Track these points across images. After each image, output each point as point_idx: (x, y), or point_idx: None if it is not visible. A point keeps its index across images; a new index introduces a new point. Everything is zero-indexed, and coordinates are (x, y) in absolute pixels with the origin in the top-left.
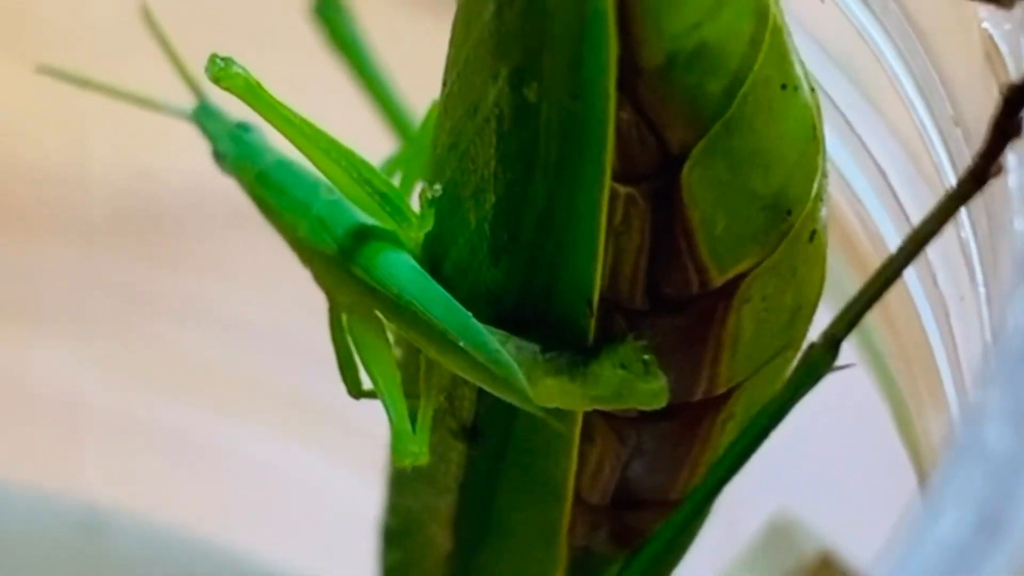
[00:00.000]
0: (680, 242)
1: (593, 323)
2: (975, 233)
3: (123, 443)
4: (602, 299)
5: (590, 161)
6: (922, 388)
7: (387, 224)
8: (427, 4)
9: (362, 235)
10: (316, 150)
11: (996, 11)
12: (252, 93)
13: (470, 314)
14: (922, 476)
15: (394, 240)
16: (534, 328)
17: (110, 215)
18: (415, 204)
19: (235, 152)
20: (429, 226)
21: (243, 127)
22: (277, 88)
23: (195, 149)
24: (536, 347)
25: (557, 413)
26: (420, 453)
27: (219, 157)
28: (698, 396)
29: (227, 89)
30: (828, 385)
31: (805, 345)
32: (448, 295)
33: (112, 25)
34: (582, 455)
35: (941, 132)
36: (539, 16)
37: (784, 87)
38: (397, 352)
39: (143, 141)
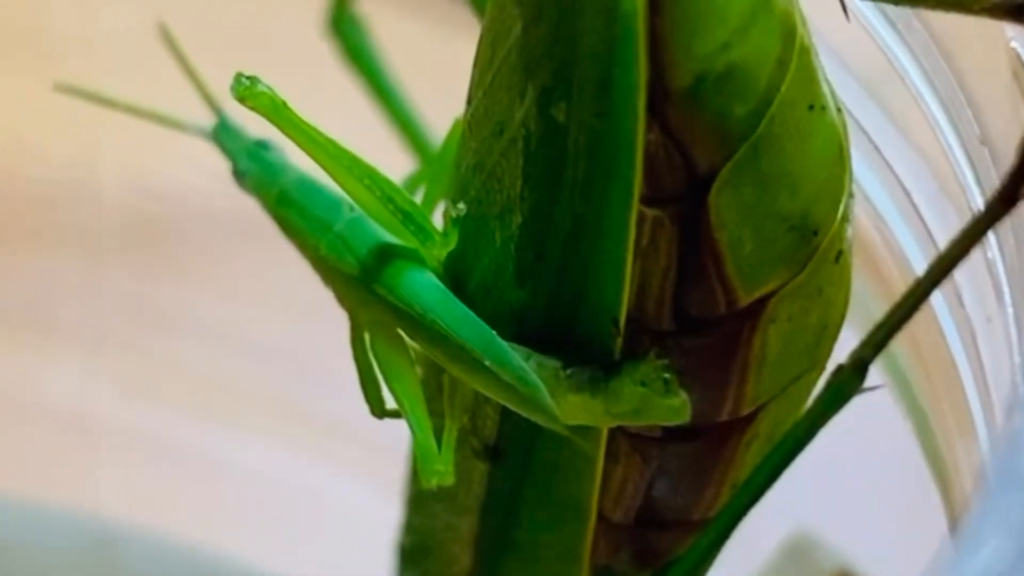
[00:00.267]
0: (707, 263)
1: (619, 342)
2: (1002, 253)
3: (134, 457)
4: (628, 320)
5: (619, 182)
6: (947, 409)
7: (410, 243)
8: (443, 19)
9: (385, 254)
10: (340, 168)
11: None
12: (278, 112)
13: (494, 333)
14: (947, 497)
15: (417, 258)
16: (557, 346)
17: (121, 230)
18: (437, 222)
19: (256, 170)
20: (452, 245)
21: (263, 145)
22: (293, 105)
23: (206, 164)
24: (557, 363)
25: (581, 432)
26: (446, 472)
27: (239, 175)
28: (724, 416)
29: (252, 108)
30: (851, 403)
31: (831, 366)
32: (472, 314)
33: (125, 41)
34: (605, 475)
35: (967, 152)
36: (568, 36)
37: (811, 108)
38: (419, 371)
39: (154, 156)
